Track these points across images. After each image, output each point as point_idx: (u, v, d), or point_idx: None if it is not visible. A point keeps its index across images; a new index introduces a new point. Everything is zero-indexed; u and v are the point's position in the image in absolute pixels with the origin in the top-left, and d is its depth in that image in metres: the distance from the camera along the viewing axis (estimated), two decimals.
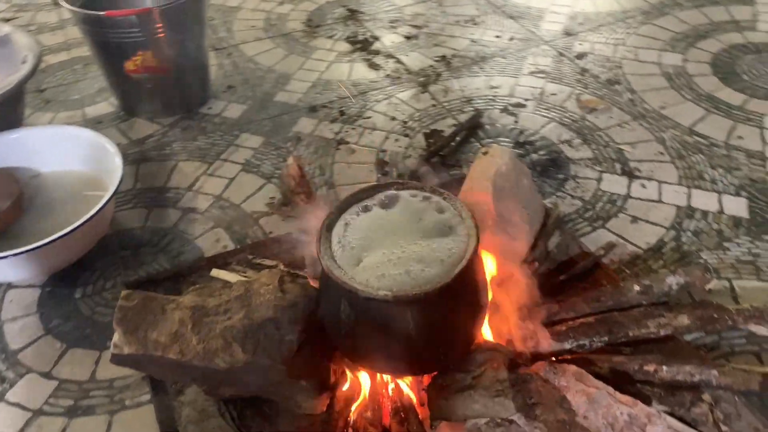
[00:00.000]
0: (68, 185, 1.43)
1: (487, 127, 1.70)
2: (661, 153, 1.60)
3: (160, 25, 1.59)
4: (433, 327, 0.94)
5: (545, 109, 1.76)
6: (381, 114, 1.76)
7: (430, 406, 0.98)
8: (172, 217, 1.46)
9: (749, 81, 1.84)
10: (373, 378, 1.10)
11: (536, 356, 1.11)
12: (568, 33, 2.10)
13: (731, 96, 1.78)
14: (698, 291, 1.24)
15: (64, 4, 1.57)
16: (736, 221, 1.41)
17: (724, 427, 1.06)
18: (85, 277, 1.33)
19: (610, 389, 1.00)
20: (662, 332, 1.15)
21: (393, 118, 1.74)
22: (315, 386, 1.05)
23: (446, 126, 1.71)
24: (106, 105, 1.83)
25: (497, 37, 2.09)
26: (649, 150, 1.61)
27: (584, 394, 0.99)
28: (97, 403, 1.11)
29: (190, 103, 1.78)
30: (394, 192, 1.03)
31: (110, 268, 1.35)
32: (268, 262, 1.30)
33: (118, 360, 1.04)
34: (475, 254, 0.92)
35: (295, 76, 1.93)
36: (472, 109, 1.77)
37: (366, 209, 1.02)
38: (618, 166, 1.57)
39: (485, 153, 1.27)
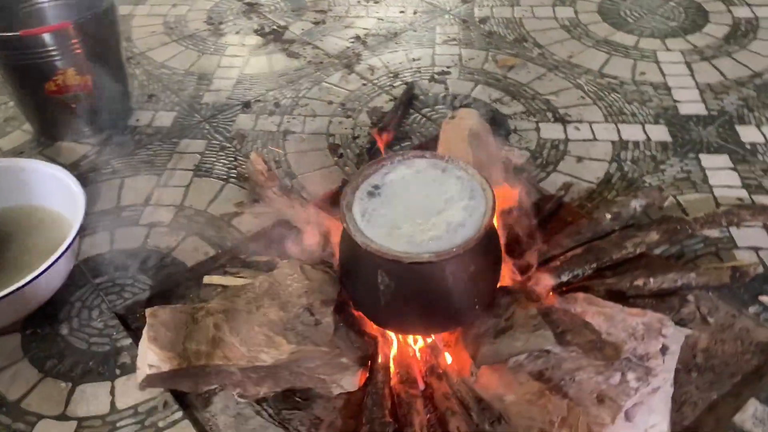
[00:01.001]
0: (23, 220, 1.33)
1: (421, 97, 1.77)
2: (583, 97, 1.75)
3: (77, 40, 1.50)
4: (469, 280, 0.99)
5: (468, 73, 1.86)
6: (316, 100, 1.77)
7: (473, 355, 1.04)
8: (138, 235, 1.40)
9: (634, 23, 2.05)
10: (401, 344, 1.15)
11: (543, 293, 1.20)
12: (465, 1, 2.21)
13: (624, 38, 1.98)
14: (655, 210, 1.38)
15: None
16: (664, 145, 1.58)
17: (710, 319, 1.22)
18: (66, 312, 1.25)
19: (619, 306, 1.12)
20: (638, 250, 1.29)
21: (330, 102, 1.76)
22: (356, 361, 1.07)
23: (383, 102, 1.75)
24: (21, 134, 1.69)
25: (402, 12, 2.16)
26: (571, 96, 1.76)
27: (600, 314, 1.09)
28: None
29: (116, 118, 1.70)
30: (399, 163, 1.07)
31: (89, 298, 1.27)
32: (262, 258, 1.29)
33: (151, 381, 1.01)
34: (494, 210, 0.99)
35: (215, 75, 1.89)
36: (401, 83, 1.83)
37: (377, 186, 1.05)
38: (550, 114, 1.70)
39: (453, 117, 1.34)
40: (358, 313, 1.10)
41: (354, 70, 1.88)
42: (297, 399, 1.13)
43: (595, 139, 1.62)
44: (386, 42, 2.01)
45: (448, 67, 1.88)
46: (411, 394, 1.09)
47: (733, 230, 1.36)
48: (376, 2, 2.21)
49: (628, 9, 2.11)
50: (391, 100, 1.76)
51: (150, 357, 0.96)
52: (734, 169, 1.51)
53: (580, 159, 1.56)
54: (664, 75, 1.82)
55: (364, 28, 2.08)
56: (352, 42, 2.01)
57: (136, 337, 1.21)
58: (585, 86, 1.79)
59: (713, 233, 1.35)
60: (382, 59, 1.93)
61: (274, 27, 2.09)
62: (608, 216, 1.32)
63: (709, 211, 1.37)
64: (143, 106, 1.78)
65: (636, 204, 1.35)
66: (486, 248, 1.01)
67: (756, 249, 1.32)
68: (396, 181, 1.05)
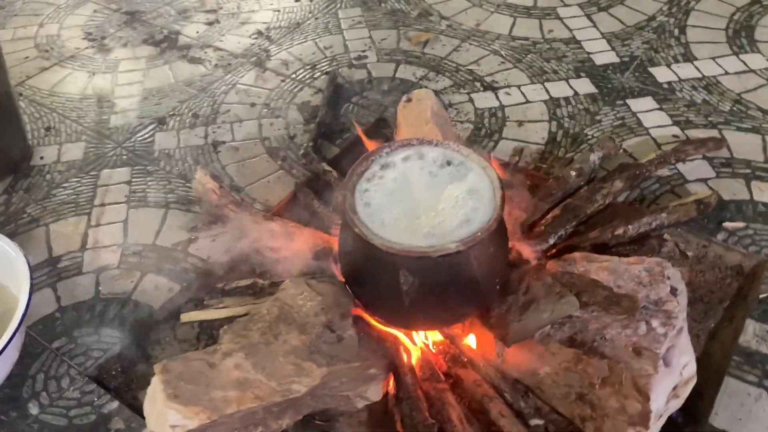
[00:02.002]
0: None
1: (346, 85, 1.71)
2: (503, 62, 1.77)
3: None
4: (491, 262, 0.97)
5: (386, 54, 1.82)
6: (237, 105, 1.66)
7: (503, 337, 1.02)
8: (86, 285, 1.24)
9: None
10: (415, 341, 1.10)
11: (542, 259, 1.20)
12: None
13: (523, 0, 2.02)
14: (609, 159, 1.43)
15: None
16: (592, 97, 1.64)
17: (689, 253, 1.28)
18: (29, 388, 1.08)
19: (616, 257, 1.14)
20: (606, 201, 1.32)
21: (252, 105, 1.65)
22: (383, 369, 1.02)
23: (309, 96, 1.67)
24: None
25: (296, 1, 2.07)
26: (492, 63, 1.77)
27: (603, 269, 1.11)
28: None
29: (16, 160, 1.49)
30: (388, 155, 1.02)
31: (53, 366, 1.11)
32: (243, 282, 1.19)
33: None
34: (503, 188, 0.96)
35: (116, 95, 1.71)
36: (321, 73, 1.75)
37: (375, 184, 0.99)
38: (478, 84, 1.70)
39: (409, 100, 1.30)
40: (371, 318, 1.05)
41: (266, 67, 1.78)
42: (317, 422, 1.06)
43: (528, 101, 1.64)
44: (290, 33, 1.91)
45: (363, 51, 1.83)
46: (439, 389, 1.05)
47: (680, 166, 1.43)
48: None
49: None
50: (315, 92, 1.69)
51: (173, 417, 0.85)
52: (660, 108, 1.59)
53: (520, 123, 1.57)
54: (570, 30, 1.88)
55: (263, 22, 1.97)
56: (255, 38, 1.90)
57: (121, 397, 1.08)
58: (501, 51, 1.81)
59: (664, 172, 1.42)
60: (293, 52, 1.84)
61: (165, 34, 1.93)
62: (573, 173, 1.35)
63: (652, 152, 1.44)
64: (43, 141, 1.57)
65: (594, 157, 1.38)
66: (500, 228, 0.98)
67: (704, 180, 1.41)
68: (393, 176, 0.99)
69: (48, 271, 1.26)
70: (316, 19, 1.97)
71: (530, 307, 1.01)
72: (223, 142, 1.55)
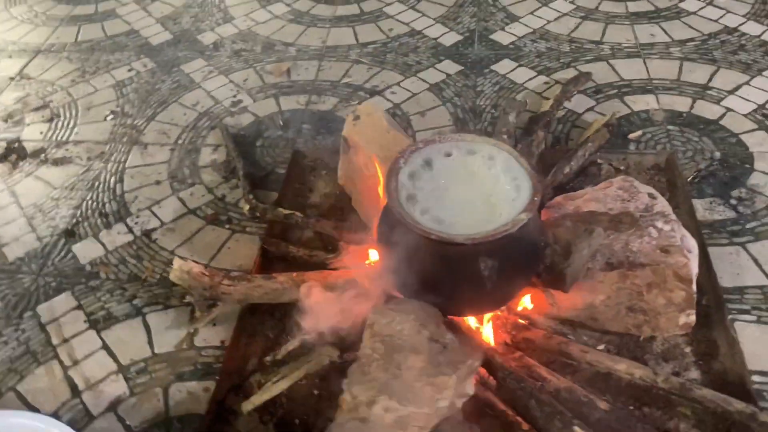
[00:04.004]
0: None
1: (242, 132, 1.66)
2: (370, 68, 1.85)
3: None
4: (540, 225, 1.07)
5: (259, 93, 1.79)
6: (142, 188, 1.52)
7: (561, 287, 1.11)
8: (109, 427, 1.08)
9: None
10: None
11: None
12: (177, 40, 2.07)
13: (349, 10, 2.12)
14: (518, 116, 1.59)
15: None
16: (464, 73, 1.80)
17: (621, 167, 1.49)
18: None
19: (588, 188, 1.30)
20: (540, 149, 1.49)
21: (158, 182, 1.54)
22: (480, 358, 1.05)
23: (209, 156, 1.60)
24: None
25: (129, 71, 1.93)
26: (361, 72, 1.84)
27: (588, 201, 1.26)
28: None
29: None
30: (427, 154, 1.06)
31: None
32: (292, 345, 1.13)
33: None
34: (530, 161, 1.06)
35: None
36: (206, 130, 1.68)
37: (417, 184, 1.02)
38: (362, 93, 1.76)
39: (357, 117, 1.32)
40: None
41: (145, 142, 1.66)
42: None
43: (414, 93, 1.75)
44: (145, 103, 1.79)
45: (234, 97, 1.78)
46: (518, 357, 1.12)
47: (568, 105, 1.64)
48: (85, 78, 1.92)
49: None
50: (214, 149, 1.62)
51: None
52: (521, 65, 1.81)
53: (422, 113, 1.68)
54: (409, 25, 2.02)
55: (108, 101, 1.81)
56: (112, 118, 1.74)
57: None
58: (361, 59, 1.89)
59: (560, 113, 1.62)
60: (161, 119, 1.72)
61: (4, 146, 1.68)
62: (504, 137, 1.48)
63: (544, 100, 1.64)
64: None
65: (512, 118, 1.54)
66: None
67: (591, 108, 1.64)
68: (432, 178, 1.03)
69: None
70: (163, 81, 1.87)
71: (570, 251, 1.12)
72: (154, 229, 1.43)
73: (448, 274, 1.00)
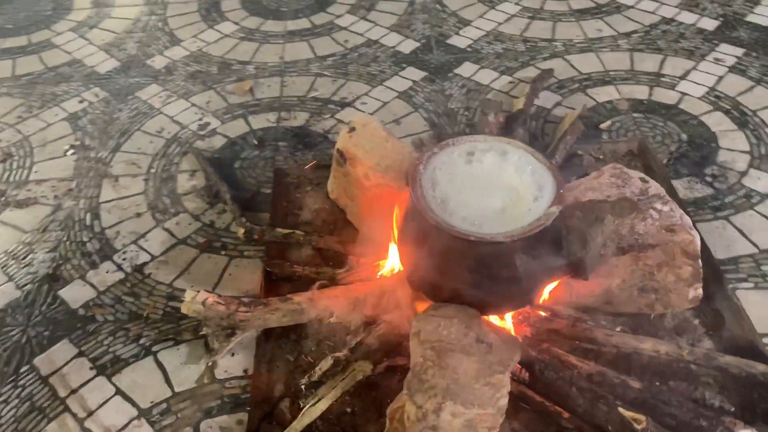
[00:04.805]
0: None
1: (216, 156, 1.61)
2: (335, 80, 1.84)
3: None
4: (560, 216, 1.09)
5: (226, 114, 1.74)
6: (123, 223, 1.45)
7: (581, 275, 1.12)
8: None
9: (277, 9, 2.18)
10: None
11: None
12: (126, 67, 1.98)
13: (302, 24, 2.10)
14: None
15: None
16: (430, 79, 1.82)
17: (600, 156, 1.55)
18: None
19: (583, 179, 1.35)
20: None
21: (138, 215, 1.46)
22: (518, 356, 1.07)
23: (186, 182, 1.54)
24: None
25: (81, 102, 1.83)
26: (326, 84, 1.83)
27: (584, 191, 1.30)
28: None
29: None
30: (446, 157, 1.07)
31: None
32: (326, 365, 1.10)
33: None
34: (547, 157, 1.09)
35: None
36: (176, 156, 1.61)
37: (447, 201, 1.03)
38: (332, 106, 1.75)
39: (353, 129, 1.31)
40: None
41: (115, 174, 1.58)
42: None
43: (384, 102, 1.75)
44: (105, 134, 1.70)
45: (200, 120, 1.73)
46: (545, 349, 1.15)
47: (537, 102, 1.70)
48: (33, 113, 1.81)
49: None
50: (191, 175, 1.56)
51: None
52: (483, 67, 1.85)
53: (397, 121, 1.69)
54: (363, 35, 2.03)
55: (65, 136, 1.71)
56: (74, 153, 1.64)
57: None
58: (323, 72, 1.88)
59: (532, 111, 1.67)
60: (128, 149, 1.65)
61: None
62: (487, 130, 1.52)
63: (515, 99, 1.69)
64: None
65: (491, 118, 1.57)
66: None
67: (558, 103, 1.70)
68: (451, 180, 1.04)
69: None
70: (120, 110, 1.78)
71: (586, 240, 1.16)
72: (146, 263, 1.36)
73: (486, 274, 1.01)
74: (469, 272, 1.01)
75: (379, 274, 1.26)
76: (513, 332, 1.15)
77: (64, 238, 1.42)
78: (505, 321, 1.16)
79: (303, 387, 1.10)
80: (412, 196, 1.02)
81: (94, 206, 1.50)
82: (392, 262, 1.24)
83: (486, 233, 0.96)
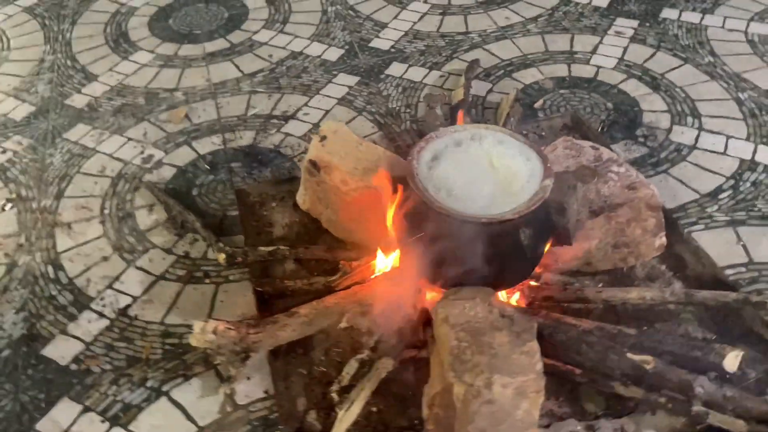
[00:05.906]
0: None
1: (171, 186, 1.57)
2: (270, 95, 1.84)
3: None
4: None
5: (167, 144, 1.70)
6: (92, 269, 1.38)
7: (565, 241, 1.22)
8: None
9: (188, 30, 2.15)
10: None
11: None
12: (44, 110, 1.87)
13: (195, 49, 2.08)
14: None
15: None
16: (365, 83, 1.87)
17: (542, 133, 1.66)
18: None
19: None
20: None
21: (105, 258, 1.40)
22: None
23: (145, 217, 1.49)
24: None
25: (3, 152, 1.71)
26: (262, 101, 1.83)
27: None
28: None
29: None
30: (433, 149, 1.12)
31: None
32: (353, 367, 1.12)
33: None
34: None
35: None
36: (128, 193, 1.56)
37: (441, 188, 1.08)
38: (276, 120, 1.76)
39: (324, 137, 1.33)
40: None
41: (65, 222, 1.50)
42: None
43: (327, 110, 1.78)
44: (43, 178, 1.61)
45: (142, 153, 1.67)
46: (544, 314, 1.23)
47: (473, 91, 1.79)
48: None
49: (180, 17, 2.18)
50: (149, 210, 1.51)
51: None
52: (411, 65, 1.92)
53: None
54: (286, 48, 2.03)
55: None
56: (11, 206, 1.54)
57: None
58: (257, 89, 1.87)
59: (470, 99, 1.76)
60: (72, 194, 1.57)
61: None
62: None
63: (453, 91, 1.77)
64: None
65: (439, 111, 1.65)
66: None
67: (490, 90, 1.80)
68: (443, 169, 1.10)
69: None
70: (52, 155, 1.69)
71: (564, 209, 1.25)
72: (129, 305, 1.31)
73: (497, 252, 1.07)
74: (481, 253, 1.06)
75: (375, 273, 1.29)
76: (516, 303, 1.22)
77: (30, 295, 1.34)
78: (510, 296, 1.23)
79: (335, 394, 1.11)
80: (415, 193, 1.06)
81: (54, 257, 1.42)
82: (385, 260, 1.28)
83: (496, 214, 1.02)
